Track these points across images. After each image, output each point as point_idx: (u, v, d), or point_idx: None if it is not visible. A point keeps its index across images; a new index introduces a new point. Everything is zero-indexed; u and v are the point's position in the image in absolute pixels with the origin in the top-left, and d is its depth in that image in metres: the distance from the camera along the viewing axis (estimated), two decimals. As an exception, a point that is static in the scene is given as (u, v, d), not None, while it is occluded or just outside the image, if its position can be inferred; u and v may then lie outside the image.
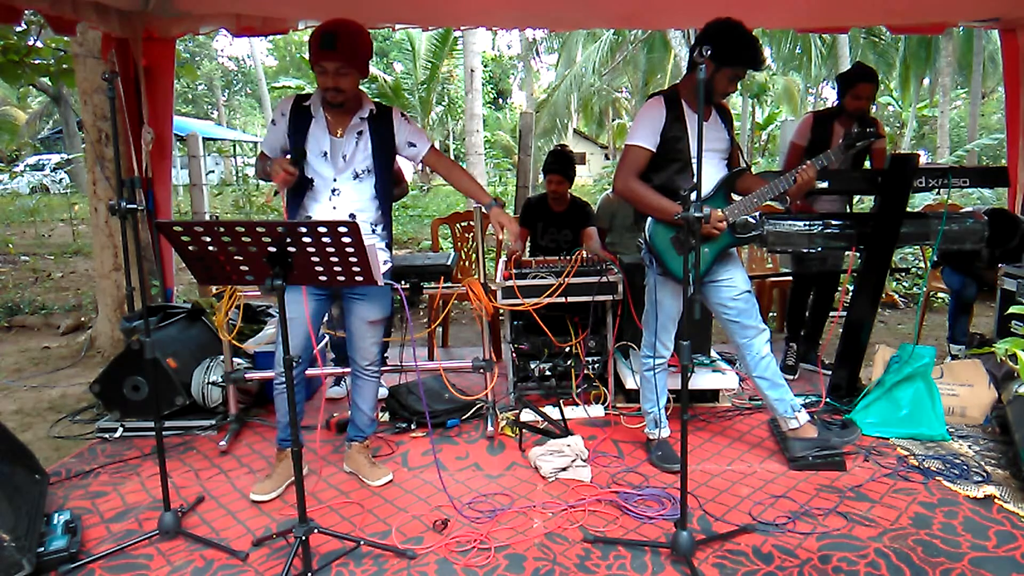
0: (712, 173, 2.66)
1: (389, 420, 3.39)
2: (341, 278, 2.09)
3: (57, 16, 3.37)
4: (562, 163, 3.90)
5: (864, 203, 7.40)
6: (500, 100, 32.13)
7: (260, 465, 2.91)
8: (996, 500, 2.49)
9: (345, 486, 2.74)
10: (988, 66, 16.96)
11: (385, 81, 17.50)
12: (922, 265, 6.11)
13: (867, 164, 3.76)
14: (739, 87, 2.79)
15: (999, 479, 2.65)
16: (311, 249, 1.97)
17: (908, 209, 3.17)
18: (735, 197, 2.69)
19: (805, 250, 3.19)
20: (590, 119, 26.15)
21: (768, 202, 2.74)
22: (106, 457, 3.02)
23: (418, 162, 2.67)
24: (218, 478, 2.82)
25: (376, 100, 2.66)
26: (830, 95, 23.08)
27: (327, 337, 3.82)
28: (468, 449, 3.06)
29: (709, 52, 2.01)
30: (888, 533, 2.29)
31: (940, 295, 5.44)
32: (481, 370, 3.18)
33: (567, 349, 3.43)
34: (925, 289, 4.40)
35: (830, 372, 3.52)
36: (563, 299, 3.24)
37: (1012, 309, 2.70)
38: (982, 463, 2.77)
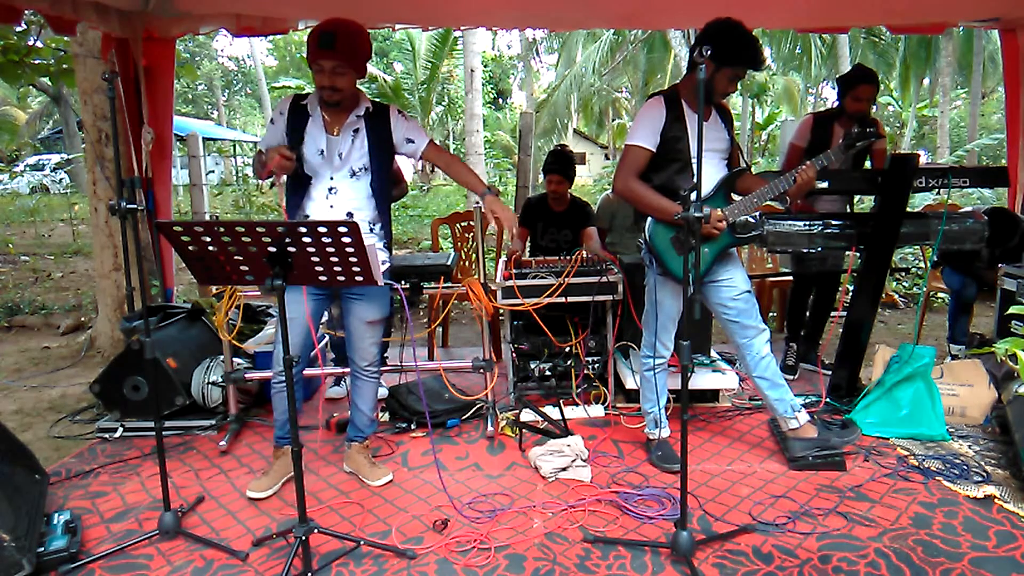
0: (712, 173, 2.66)
1: (389, 420, 3.39)
2: (341, 278, 2.09)
3: (57, 16, 3.37)
4: (562, 163, 3.90)
5: (864, 203, 7.40)
6: (500, 100, 32.13)
7: (260, 465, 2.91)
8: (996, 500, 2.49)
9: (345, 486, 2.74)
10: (988, 66, 16.96)
11: (385, 81, 17.51)
12: (922, 265, 6.11)
13: (867, 165, 3.76)
14: (739, 87, 2.79)
15: (999, 479, 2.65)
16: (311, 249, 1.97)
17: (908, 209, 3.17)
18: (735, 197, 2.70)
19: (805, 250, 3.19)
20: (590, 119, 26.14)
21: (768, 202, 2.75)
22: (106, 457, 3.02)
23: (418, 158, 2.67)
24: (218, 478, 2.82)
25: (376, 100, 2.66)
26: (830, 95, 23.08)
27: (327, 337, 3.82)
28: (468, 449, 3.06)
29: (709, 52, 2.01)
30: (888, 533, 2.29)
31: (940, 295, 5.45)
32: (481, 370, 3.18)
33: (567, 349, 3.43)
34: (925, 289, 4.40)
35: (830, 372, 3.52)
36: (563, 299, 3.24)
37: (1012, 309, 2.70)
38: (982, 463, 2.77)
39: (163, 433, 2.41)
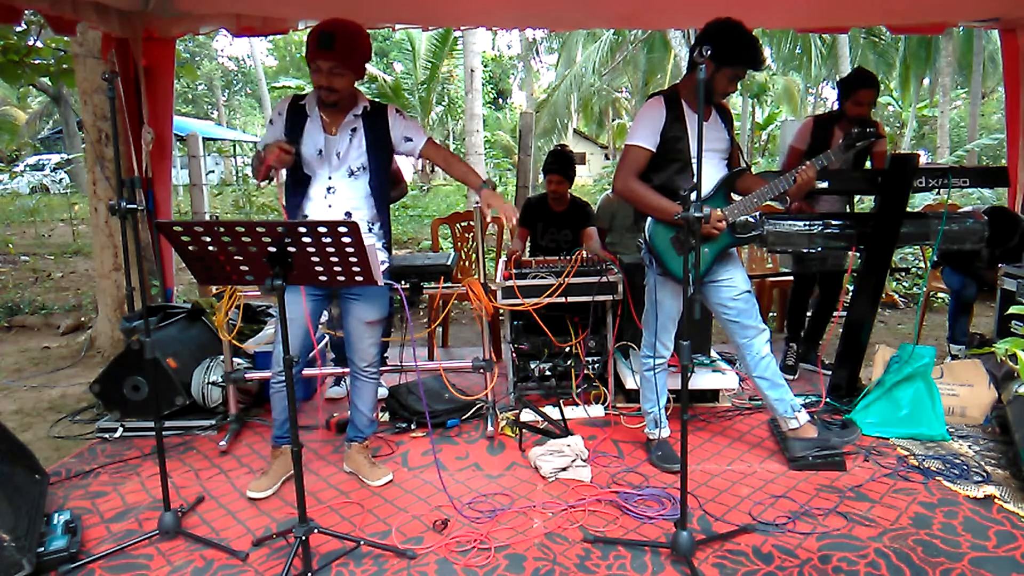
0: (712, 173, 2.66)
1: (389, 420, 3.39)
2: (341, 278, 2.09)
3: (57, 16, 3.37)
4: (562, 163, 3.90)
5: (864, 203, 7.40)
6: (500, 100, 32.13)
7: (260, 465, 2.91)
8: (996, 500, 2.49)
9: (345, 486, 2.74)
10: (988, 66, 16.96)
11: (385, 81, 17.51)
12: (922, 265, 6.11)
13: (868, 166, 3.76)
14: (739, 87, 2.79)
15: (999, 479, 2.65)
16: (311, 249, 1.98)
17: (908, 209, 3.17)
18: (735, 197, 2.70)
19: (805, 250, 3.19)
20: (590, 119, 26.15)
21: (768, 202, 2.75)
22: (106, 457, 3.02)
23: (417, 156, 2.66)
24: (218, 478, 2.82)
25: (375, 100, 2.66)
26: (830, 95, 23.08)
27: (327, 337, 3.82)
28: (468, 449, 3.06)
29: (709, 52, 2.01)
30: (888, 533, 2.29)
31: (940, 295, 5.45)
32: (481, 370, 3.18)
33: (567, 349, 3.43)
34: (925, 289, 4.40)
35: (830, 372, 3.52)
36: (563, 299, 3.24)
37: (1012, 309, 2.70)
38: (982, 463, 2.77)
39: (163, 433, 2.41)
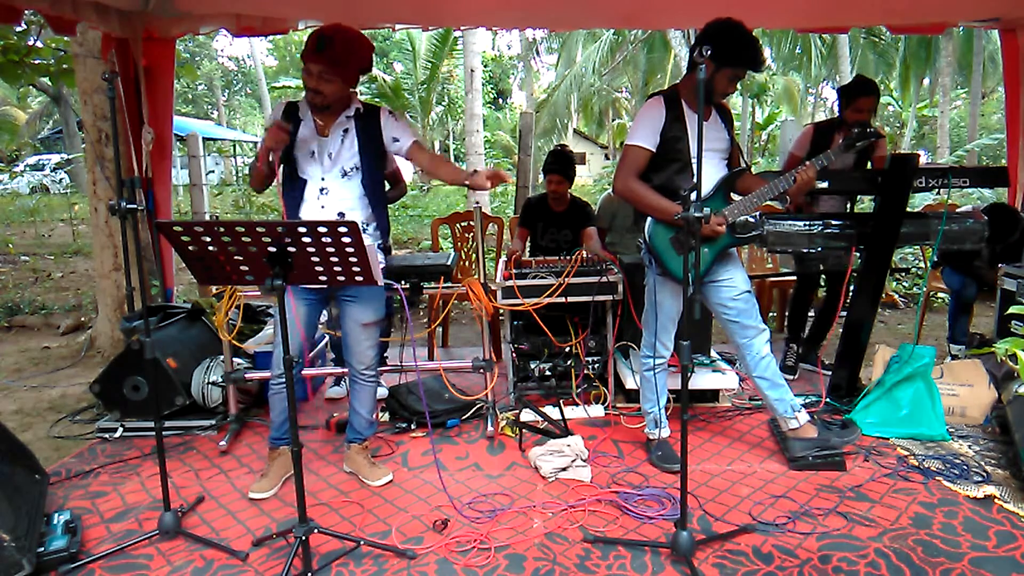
0: (712, 173, 2.66)
1: (389, 420, 3.39)
2: (341, 278, 2.09)
3: (57, 16, 3.37)
4: (562, 163, 3.90)
5: (864, 203, 7.40)
6: (500, 100, 32.13)
7: (260, 465, 2.90)
8: (996, 500, 2.49)
9: (345, 486, 2.74)
10: (988, 66, 16.95)
11: (385, 81, 17.52)
12: (922, 265, 6.11)
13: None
14: (739, 87, 2.79)
15: (999, 479, 2.65)
16: (311, 249, 1.98)
17: (908, 209, 3.17)
18: (735, 197, 2.70)
19: (805, 250, 3.19)
20: (590, 119, 26.14)
21: (768, 202, 2.75)
22: (106, 457, 3.02)
23: (404, 156, 2.65)
24: (218, 478, 2.83)
25: (375, 100, 2.66)
26: (830, 95, 23.11)
27: (327, 337, 3.82)
28: (468, 449, 3.06)
29: (709, 52, 2.01)
30: (888, 533, 2.29)
31: (940, 295, 5.45)
32: (481, 370, 3.18)
33: (567, 349, 3.43)
34: (925, 289, 4.40)
35: (830, 372, 3.52)
36: (563, 299, 3.24)
37: (1012, 309, 2.70)
38: (982, 463, 2.77)
39: (163, 433, 2.41)
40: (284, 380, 2.32)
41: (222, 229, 1.93)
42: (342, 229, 1.91)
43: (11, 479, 2.35)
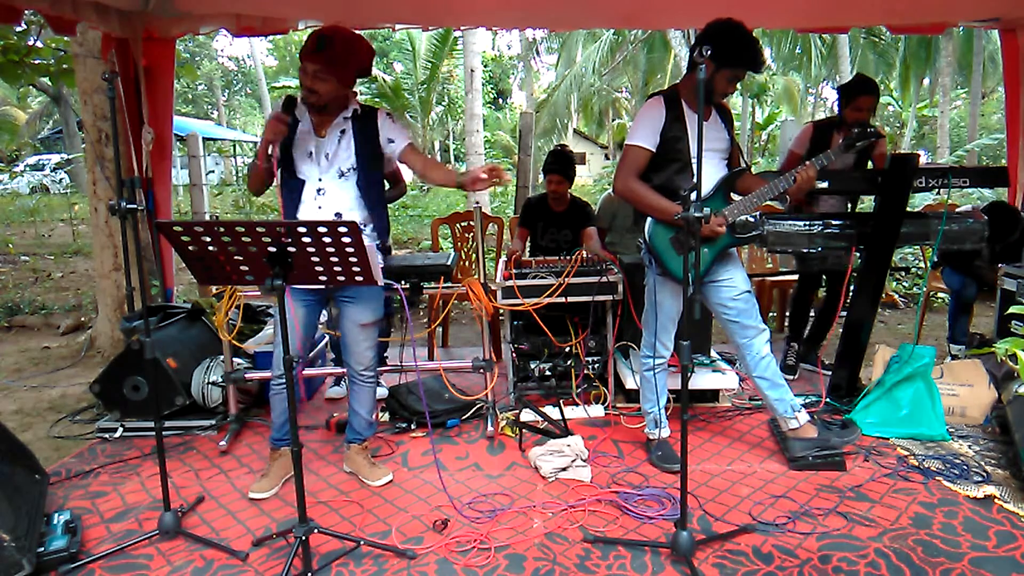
0: (712, 173, 2.66)
1: (389, 420, 3.39)
2: (341, 278, 2.09)
3: (57, 16, 3.37)
4: (562, 163, 3.90)
5: (864, 203, 7.40)
6: (500, 100, 32.13)
7: (260, 465, 2.91)
8: (996, 500, 2.49)
9: (345, 486, 2.74)
10: (988, 66, 16.95)
11: (385, 81, 17.51)
12: (922, 265, 6.11)
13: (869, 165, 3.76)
14: (739, 87, 2.79)
15: (999, 479, 2.65)
16: (311, 249, 1.98)
17: (908, 209, 3.17)
18: (735, 197, 2.70)
19: (805, 250, 3.19)
20: (590, 119, 26.14)
21: (768, 202, 2.74)
22: (106, 457, 3.02)
23: (397, 158, 2.64)
24: (218, 478, 2.83)
25: (375, 100, 2.67)
26: (830, 95, 23.09)
27: (327, 337, 3.82)
28: (468, 449, 3.06)
29: (709, 52, 2.01)
30: (888, 533, 2.29)
31: (940, 295, 5.45)
32: (481, 370, 3.18)
33: (567, 349, 3.43)
34: (925, 289, 4.40)
35: (830, 372, 3.52)
36: (563, 299, 3.24)
37: (1012, 309, 2.71)
38: (982, 463, 2.77)
39: (163, 433, 2.41)
40: (284, 380, 2.33)
41: (222, 229, 1.93)
42: (342, 229, 1.91)
43: (11, 479, 2.35)
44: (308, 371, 3.38)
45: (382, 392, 3.55)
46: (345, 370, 2.81)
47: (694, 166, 2.40)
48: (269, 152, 2.47)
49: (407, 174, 4.69)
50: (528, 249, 4.16)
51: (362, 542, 2.25)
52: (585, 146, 23.52)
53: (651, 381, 2.87)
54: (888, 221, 3.12)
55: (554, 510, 2.50)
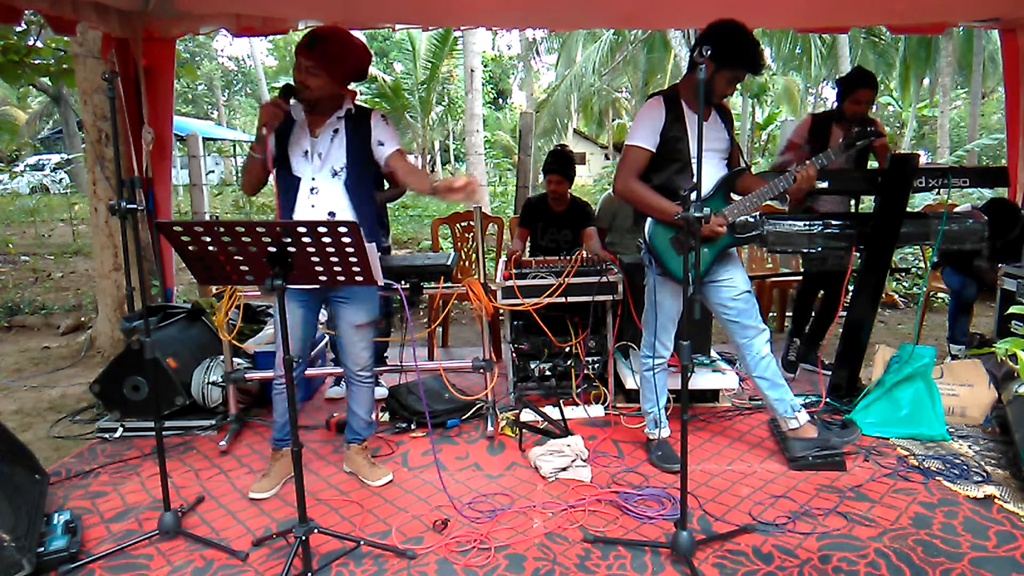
0: (712, 173, 2.66)
1: (389, 420, 3.39)
2: (341, 278, 2.09)
3: (57, 16, 3.37)
4: (562, 163, 3.90)
5: (865, 203, 7.40)
6: (500, 100, 32.13)
7: (260, 465, 2.91)
8: (996, 500, 2.49)
9: (345, 486, 2.74)
10: (988, 66, 16.95)
11: (385, 81, 17.51)
12: (922, 265, 6.11)
13: (870, 160, 3.77)
14: (739, 87, 2.79)
15: (999, 479, 2.65)
16: (311, 249, 1.98)
17: (908, 209, 3.17)
18: (735, 197, 2.70)
19: (805, 250, 3.19)
20: (590, 119, 26.14)
21: (768, 202, 2.74)
22: (106, 457, 3.02)
23: (382, 162, 2.62)
24: (218, 478, 2.83)
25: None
26: (830, 95, 23.04)
27: (327, 337, 3.82)
28: (468, 449, 3.06)
29: (709, 52, 2.01)
30: (888, 533, 2.29)
31: (940, 295, 5.45)
32: (481, 370, 3.18)
33: (567, 349, 3.43)
34: (925, 289, 4.40)
35: (830, 372, 3.52)
36: (563, 299, 3.24)
37: (1012, 309, 2.71)
38: (982, 463, 2.77)
39: (163, 433, 2.41)
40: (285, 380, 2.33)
41: (222, 229, 1.93)
42: (342, 229, 1.91)
43: (11, 479, 2.35)
44: (308, 371, 3.38)
45: (382, 392, 3.55)
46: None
47: (694, 166, 2.40)
48: (263, 133, 2.47)
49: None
50: (528, 249, 4.16)
51: (362, 542, 2.25)
52: (585, 146, 23.51)
53: (651, 381, 2.87)
54: (888, 221, 3.12)
55: (554, 510, 2.50)
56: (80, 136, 15.33)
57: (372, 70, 17.50)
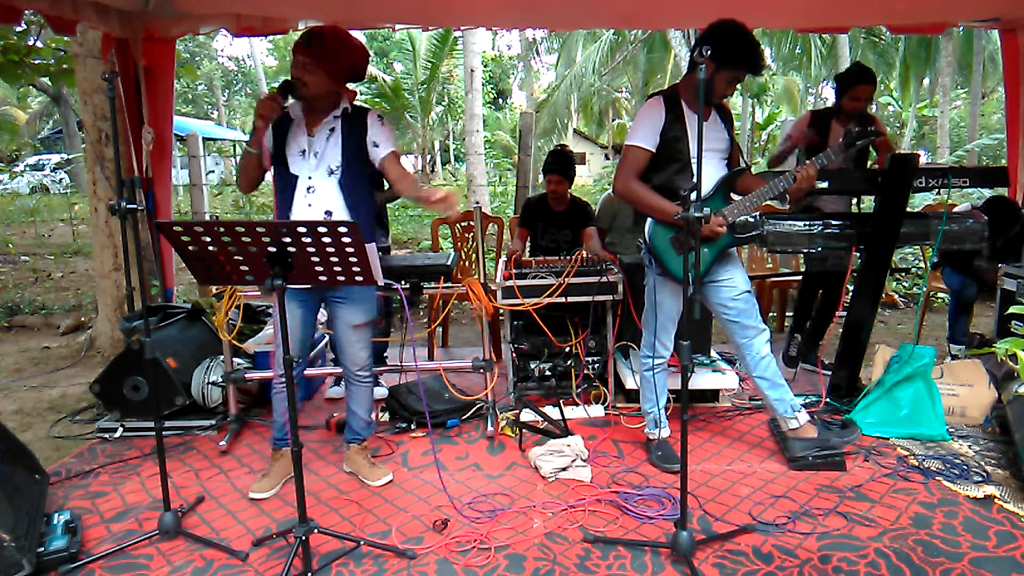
0: (712, 173, 2.66)
1: (389, 420, 3.39)
2: (341, 278, 2.09)
3: (57, 16, 3.37)
4: (562, 163, 3.90)
5: (865, 203, 7.40)
6: (500, 100, 32.14)
7: (260, 465, 2.91)
8: (996, 500, 2.49)
9: (345, 486, 2.74)
10: (988, 66, 16.95)
11: (385, 81, 17.52)
12: (922, 265, 6.11)
13: (872, 156, 3.78)
14: (739, 87, 2.79)
15: (999, 479, 2.65)
16: (311, 249, 1.98)
17: (908, 209, 3.17)
18: (734, 197, 2.69)
19: (805, 250, 3.19)
20: (590, 119, 26.14)
21: (768, 202, 2.74)
22: (106, 457, 3.02)
23: (376, 163, 2.62)
24: (218, 478, 2.83)
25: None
26: (830, 95, 23.01)
27: (327, 337, 3.82)
28: (468, 449, 3.06)
29: (709, 52, 2.01)
30: (888, 533, 2.29)
31: (940, 295, 5.45)
32: (481, 370, 3.18)
33: (567, 349, 3.43)
34: (925, 289, 4.40)
35: (830, 372, 3.52)
36: (563, 299, 3.24)
37: (1012, 309, 2.71)
38: (982, 463, 2.77)
39: (163, 433, 2.41)
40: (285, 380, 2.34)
41: (222, 229, 1.93)
42: (342, 229, 1.91)
43: (11, 479, 2.35)
44: (308, 371, 3.38)
45: (382, 392, 3.55)
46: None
47: (694, 166, 2.40)
48: (259, 125, 2.48)
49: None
50: (528, 249, 4.16)
51: (362, 542, 2.25)
52: (585, 146, 23.50)
53: (651, 381, 2.87)
54: (888, 221, 3.12)
55: (554, 510, 2.50)
56: (80, 136, 15.33)
57: (372, 70, 17.55)
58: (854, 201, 3.74)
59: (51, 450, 3.14)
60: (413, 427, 3.27)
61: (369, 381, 2.77)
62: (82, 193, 14.67)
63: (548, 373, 3.46)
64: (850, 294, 3.38)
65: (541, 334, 3.34)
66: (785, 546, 2.23)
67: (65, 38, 4.38)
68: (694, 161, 2.49)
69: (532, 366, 3.45)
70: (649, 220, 2.64)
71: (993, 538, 2.25)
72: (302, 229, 1.92)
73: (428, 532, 2.37)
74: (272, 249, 1.96)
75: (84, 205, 10.28)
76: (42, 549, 2.17)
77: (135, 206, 2.24)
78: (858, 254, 3.31)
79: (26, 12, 3.67)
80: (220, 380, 3.28)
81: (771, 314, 5.07)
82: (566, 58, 19.82)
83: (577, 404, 3.43)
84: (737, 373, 3.46)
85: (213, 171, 23.76)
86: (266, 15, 4.09)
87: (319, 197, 2.54)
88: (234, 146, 25.27)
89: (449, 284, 3.13)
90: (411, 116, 18.76)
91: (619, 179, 2.68)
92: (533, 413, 3.29)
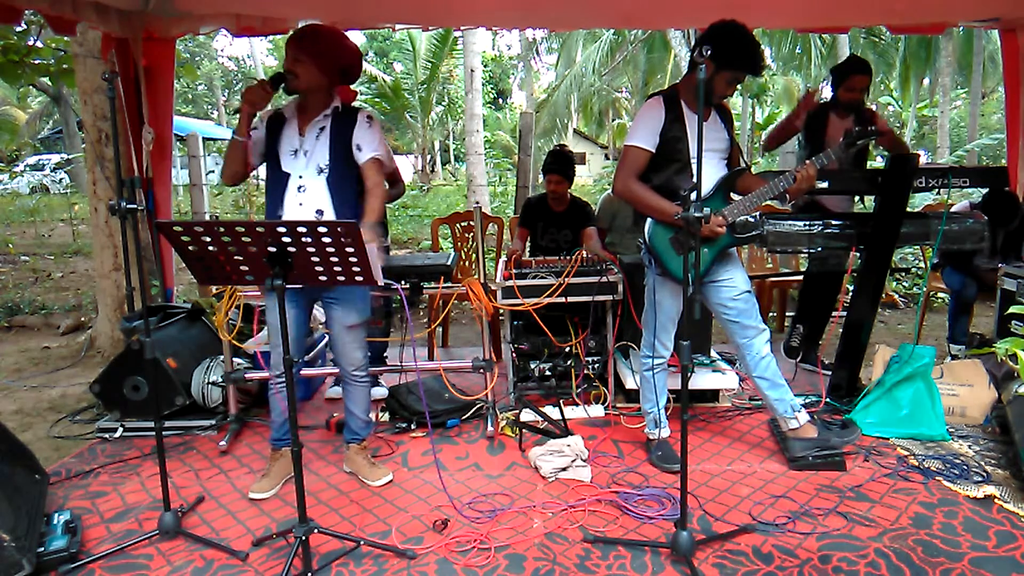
0: (712, 173, 2.66)
1: (389, 420, 3.39)
2: (341, 278, 2.09)
3: (57, 16, 3.37)
4: (562, 163, 3.90)
5: (865, 202, 7.40)
6: (500, 100, 32.15)
7: (260, 465, 2.91)
8: (996, 500, 2.49)
9: (345, 486, 2.74)
10: (988, 66, 16.95)
11: (385, 81, 17.51)
12: (922, 265, 6.11)
13: (872, 152, 3.77)
14: (739, 88, 2.79)
15: (999, 479, 2.65)
16: (311, 249, 1.98)
17: (908, 209, 3.17)
18: (735, 197, 2.70)
19: (805, 250, 3.19)
20: (590, 119, 26.13)
21: (768, 202, 2.75)
22: (106, 457, 3.02)
23: (360, 165, 2.62)
24: (218, 478, 2.82)
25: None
26: (830, 95, 22.99)
27: (326, 337, 3.81)
28: (468, 449, 3.06)
29: (709, 52, 2.01)
30: (888, 533, 2.29)
31: (940, 295, 5.45)
32: (481, 370, 3.18)
33: (567, 349, 3.43)
34: (925, 289, 4.40)
35: (830, 372, 3.52)
36: (563, 299, 3.24)
37: (1012, 309, 2.71)
38: (982, 463, 2.77)
39: (163, 433, 2.41)
40: (283, 380, 2.34)
41: (222, 229, 1.93)
42: (341, 229, 1.91)
43: (11, 479, 2.35)
44: (308, 371, 3.39)
45: (382, 392, 3.55)
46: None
47: (694, 166, 2.40)
48: (244, 109, 2.49)
49: (406, 174, 4.68)
50: (528, 249, 4.16)
51: (362, 542, 2.25)
52: (585, 146, 23.51)
53: (651, 381, 2.87)
54: (888, 221, 3.12)
55: (554, 510, 2.50)
56: (80, 136, 15.33)
57: (372, 70, 17.57)
58: (855, 199, 3.75)
59: (51, 450, 3.14)
60: (413, 427, 3.27)
61: (366, 381, 2.77)
62: (82, 193, 14.66)
63: (548, 373, 3.46)
64: (850, 294, 3.38)
65: (541, 334, 3.34)
66: (785, 546, 2.23)
67: (65, 38, 4.38)
68: (694, 161, 2.49)
69: (532, 366, 3.45)
70: (649, 220, 2.64)
71: (993, 538, 2.25)
72: (302, 229, 1.92)
73: (428, 532, 2.37)
74: (272, 249, 1.96)
75: (84, 205, 10.27)
76: (42, 549, 2.17)
77: (135, 206, 2.24)
78: (858, 254, 3.31)
79: (26, 12, 3.66)
80: (220, 380, 3.28)
81: (771, 314, 5.07)
82: (566, 58, 19.81)
83: (577, 404, 3.43)
84: (737, 373, 3.46)
85: (213, 171, 23.67)
86: (266, 15, 4.09)
87: (310, 196, 2.55)
88: (234, 146, 25.21)
89: (449, 284, 3.13)
90: (411, 116, 18.76)
91: (619, 179, 2.68)
92: (533, 413, 3.29)
